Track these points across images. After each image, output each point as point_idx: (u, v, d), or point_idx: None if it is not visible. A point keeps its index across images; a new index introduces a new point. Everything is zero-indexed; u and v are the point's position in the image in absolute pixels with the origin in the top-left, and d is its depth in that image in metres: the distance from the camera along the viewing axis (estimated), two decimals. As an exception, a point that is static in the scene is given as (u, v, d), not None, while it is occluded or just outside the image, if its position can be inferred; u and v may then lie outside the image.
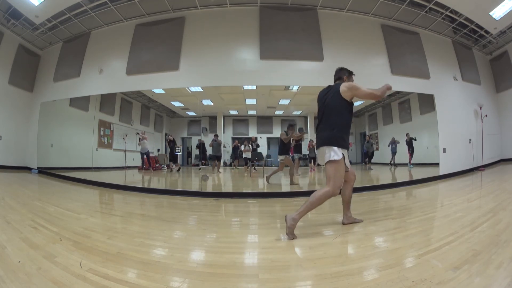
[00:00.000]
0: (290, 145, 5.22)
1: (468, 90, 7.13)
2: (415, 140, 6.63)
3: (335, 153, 2.10)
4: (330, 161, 2.10)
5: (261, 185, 5.17)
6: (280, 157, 5.13)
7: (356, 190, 4.41)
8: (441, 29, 6.77)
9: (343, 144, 2.15)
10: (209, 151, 6.92)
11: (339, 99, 2.19)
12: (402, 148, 6.83)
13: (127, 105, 7.07)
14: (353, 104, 2.26)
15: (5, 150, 7.19)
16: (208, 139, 6.98)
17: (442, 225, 2.33)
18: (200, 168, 7.06)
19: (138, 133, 7.01)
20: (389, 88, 2.28)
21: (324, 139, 2.18)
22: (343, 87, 2.20)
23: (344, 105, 2.19)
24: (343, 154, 2.13)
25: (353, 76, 2.48)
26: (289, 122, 5.29)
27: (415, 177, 5.72)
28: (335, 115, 2.19)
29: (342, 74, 2.46)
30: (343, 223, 2.37)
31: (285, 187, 5.00)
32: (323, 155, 2.16)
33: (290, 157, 5.40)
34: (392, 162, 6.96)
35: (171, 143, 7.15)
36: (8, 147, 7.28)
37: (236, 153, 7.28)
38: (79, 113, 6.93)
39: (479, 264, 1.42)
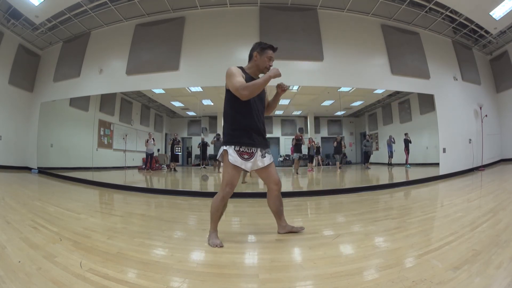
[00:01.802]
0: None
1: (468, 90, 7.13)
2: (410, 142, 6.66)
3: (219, 153, 1.89)
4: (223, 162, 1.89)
5: (261, 185, 5.17)
6: None
7: (356, 190, 4.44)
8: (441, 29, 6.77)
9: (226, 140, 1.85)
10: (209, 151, 6.92)
11: (225, 91, 1.87)
12: (400, 147, 6.83)
13: (127, 105, 7.07)
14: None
15: (5, 150, 7.19)
16: (208, 139, 6.99)
17: (442, 225, 2.33)
18: (205, 167, 7.04)
19: (149, 134, 7.02)
20: (273, 75, 1.77)
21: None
22: (226, 76, 1.82)
23: (227, 93, 1.86)
24: (226, 151, 1.83)
25: (269, 52, 1.90)
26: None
27: (415, 177, 5.72)
28: (224, 110, 1.90)
29: (253, 50, 1.95)
30: (279, 233, 2.11)
31: (285, 187, 5.01)
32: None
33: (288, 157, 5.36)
34: (389, 162, 6.97)
35: (176, 142, 7.17)
36: (8, 147, 7.28)
37: None
38: (79, 113, 6.93)
39: (479, 264, 1.42)
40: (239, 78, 1.77)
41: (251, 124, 1.85)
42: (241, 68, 1.93)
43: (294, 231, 2.10)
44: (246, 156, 1.84)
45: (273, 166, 1.99)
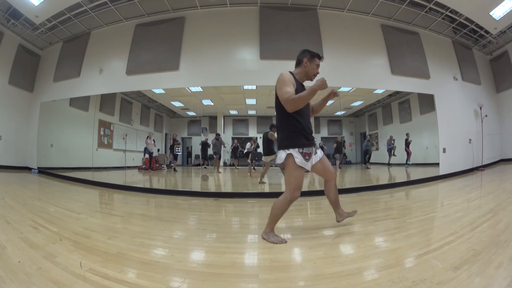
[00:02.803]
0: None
1: (468, 90, 7.13)
2: (410, 142, 6.67)
3: (279, 155, 1.92)
4: (281, 165, 1.96)
5: (261, 185, 5.17)
6: (270, 158, 5.10)
7: (356, 190, 4.43)
8: (441, 29, 6.77)
9: (287, 144, 1.89)
10: (209, 151, 6.93)
11: (276, 95, 1.90)
12: (400, 147, 6.84)
13: (127, 105, 7.07)
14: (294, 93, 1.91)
15: (5, 150, 7.20)
16: (209, 139, 7.00)
17: (442, 225, 2.33)
18: (206, 167, 7.05)
19: (149, 134, 7.03)
20: (319, 85, 1.78)
21: (278, 144, 1.98)
22: (277, 81, 1.89)
23: (279, 101, 1.88)
24: (291, 155, 1.87)
25: (317, 60, 2.00)
26: (272, 123, 5.28)
27: (415, 177, 5.72)
28: (277, 115, 1.95)
29: (303, 57, 2.02)
30: (338, 221, 2.25)
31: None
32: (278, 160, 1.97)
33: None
34: (389, 162, 6.98)
35: (176, 142, 7.18)
36: (8, 147, 7.28)
37: (235, 153, 7.30)
38: (79, 113, 6.94)
39: (479, 264, 1.42)
40: (289, 89, 1.82)
41: (306, 126, 1.93)
42: (291, 73, 1.99)
43: (350, 215, 2.28)
44: (307, 157, 1.91)
45: (325, 158, 2.10)
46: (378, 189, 4.64)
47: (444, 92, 6.45)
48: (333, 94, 2.03)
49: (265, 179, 5.28)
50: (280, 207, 1.91)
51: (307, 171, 1.97)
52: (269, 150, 5.12)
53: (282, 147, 1.91)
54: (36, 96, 7.67)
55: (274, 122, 7.81)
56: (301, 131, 1.89)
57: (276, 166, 1.91)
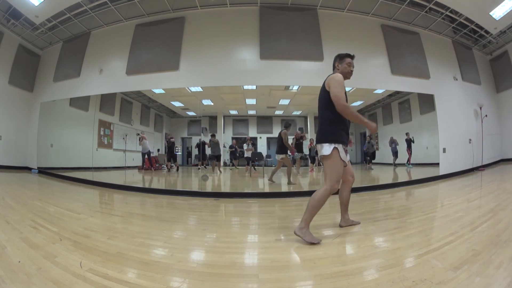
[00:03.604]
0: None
1: (468, 90, 7.13)
2: (413, 142, 6.65)
3: (324, 149, 2.01)
4: (323, 157, 2.03)
5: (261, 185, 5.17)
6: (281, 156, 5.10)
7: (356, 190, 4.43)
8: (441, 29, 6.77)
9: (334, 139, 2.02)
10: (208, 151, 6.93)
11: (323, 92, 2.10)
12: (402, 148, 6.83)
13: (127, 105, 7.07)
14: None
15: (5, 150, 7.19)
16: (208, 139, 6.99)
17: (442, 225, 2.33)
18: (199, 169, 7.06)
19: (138, 134, 7.01)
20: (370, 126, 2.03)
21: (317, 136, 2.12)
22: (328, 79, 2.09)
23: (329, 97, 2.04)
24: (337, 149, 2.00)
25: (348, 59, 2.20)
26: (286, 121, 5.24)
27: (415, 177, 5.72)
28: (323, 109, 2.10)
29: (334, 61, 2.27)
30: (341, 226, 2.31)
31: (285, 187, 5.00)
32: (318, 152, 2.11)
33: (290, 157, 5.37)
34: (395, 163, 6.96)
35: (170, 143, 7.17)
36: (8, 147, 7.28)
37: (234, 153, 7.29)
38: (79, 113, 6.94)
39: (479, 264, 1.42)
40: (343, 93, 2.01)
41: (346, 125, 2.11)
42: None
43: (354, 224, 2.34)
44: (346, 153, 2.10)
45: (350, 162, 2.25)
46: (378, 189, 4.64)
47: (444, 92, 6.45)
48: (372, 130, 2.13)
49: (274, 178, 5.26)
50: (320, 199, 1.96)
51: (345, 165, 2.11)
52: (281, 148, 5.10)
53: (329, 140, 2.01)
54: (36, 96, 7.66)
55: (279, 121, 7.85)
56: (344, 129, 2.07)
57: (320, 160, 1.98)
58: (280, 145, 5.12)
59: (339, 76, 2.06)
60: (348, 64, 2.18)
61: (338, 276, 1.36)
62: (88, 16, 6.31)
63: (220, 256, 1.69)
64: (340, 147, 2.01)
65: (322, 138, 2.06)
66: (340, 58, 2.22)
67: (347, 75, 2.18)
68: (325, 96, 2.06)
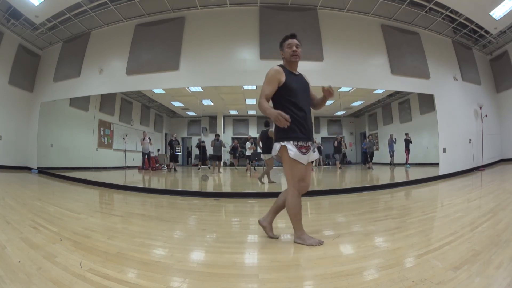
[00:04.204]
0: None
1: (468, 90, 7.13)
2: (411, 142, 6.67)
3: (274, 148, 1.88)
4: (277, 158, 1.91)
5: (261, 185, 5.16)
6: (268, 156, 5.05)
7: (356, 190, 4.43)
8: (441, 29, 6.77)
9: (281, 136, 1.83)
10: (209, 151, 6.92)
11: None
12: (400, 147, 6.84)
13: (127, 105, 7.07)
14: (284, 85, 1.86)
15: (5, 150, 7.19)
16: (208, 139, 6.98)
17: (442, 225, 2.33)
18: (199, 169, 7.06)
19: (143, 133, 6.99)
20: (273, 117, 1.71)
21: (274, 136, 1.93)
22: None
23: (275, 94, 1.88)
24: (285, 146, 1.81)
25: (287, 42, 1.98)
26: (266, 120, 5.20)
27: (415, 177, 5.72)
28: (273, 105, 1.91)
29: (279, 49, 2.05)
30: (259, 222, 2.07)
31: (285, 187, 5.00)
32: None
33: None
34: (391, 162, 6.98)
35: (173, 142, 7.17)
36: (8, 147, 7.28)
37: (235, 153, 7.29)
38: (79, 113, 6.94)
39: (479, 264, 1.42)
40: (268, 90, 1.84)
41: (303, 120, 1.85)
42: (281, 65, 1.98)
43: (269, 234, 2.03)
44: (304, 150, 1.83)
45: (310, 166, 2.00)
46: (378, 189, 4.64)
47: (444, 92, 6.45)
48: (327, 92, 1.93)
49: (273, 179, 5.26)
50: (293, 205, 1.83)
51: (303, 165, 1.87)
52: (269, 148, 5.07)
53: (277, 139, 1.87)
54: (36, 96, 7.66)
55: (271, 122, 7.84)
56: (297, 124, 1.82)
57: (274, 158, 1.81)
58: (267, 144, 5.00)
59: (271, 71, 1.89)
60: (288, 46, 1.95)
61: (338, 276, 1.36)
62: (88, 16, 6.31)
63: (220, 256, 1.69)
64: (290, 144, 1.80)
65: (274, 137, 1.90)
66: (280, 46, 2.02)
67: (291, 58, 1.95)
68: (275, 95, 1.90)
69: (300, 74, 2.03)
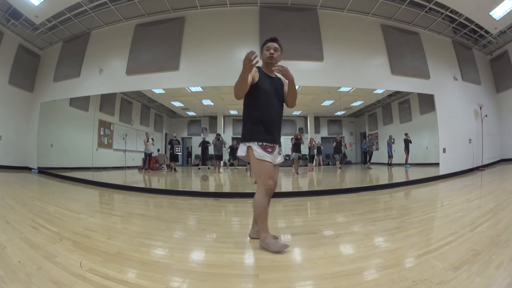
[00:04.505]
0: None
1: (468, 90, 7.13)
2: (411, 142, 6.67)
3: (240, 149, 1.90)
4: (244, 159, 1.92)
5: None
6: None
7: (356, 190, 4.43)
8: (441, 29, 6.77)
9: (247, 137, 1.86)
10: (210, 150, 6.93)
11: None
12: (400, 147, 6.84)
13: (127, 105, 7.07)
14: (256, 85, 1.86)
15: (5, 150, 7.19)
16: (208, 139, 6.99)
17: (442, 225, 2.33)
18: (199, 168, 7.06)
19: (146, 134, 7.01)
20: (243, 63, 1.70)
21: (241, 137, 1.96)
22: None
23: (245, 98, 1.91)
24: (251, 147, 1.83)
25: (266, 45, 1.98)
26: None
27: (415, 177, 5.72)
28: (243, 105, 1.94)
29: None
30: (249, 236, 2.03)
31: (285, 187, 5.01)
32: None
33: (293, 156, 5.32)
34: (389, 163, 6.99)
35: (175, 142, 7.18)
36: (8, 147, 7.28)
37: (234, 153, 7.30)
38: (79, 113, 6.94)
39: (479, 264, 1.42)
40: (238, 82, 1.83)
41: (268, 121, 1.87)
42: (258, 68, 1.96)
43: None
44: (269, 150, 1.85)
45: (277, 169, 2.00)
46: (378, 189, 4.63)
47: (444, 92, 6.45)
48: (280, 70, 1.87)
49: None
50: (260, 203, 1.81)
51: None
52: None
53: (243, 139, 1.88)
54: (36, 96, 7.66)
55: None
56: (261, 126, 1.84)
57: (241, 158, 1.81)
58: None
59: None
60: (266, 49, 1.97)
61: (338, 276, 1.36)
62: (88, 16, 6.31)
63: (220, 256, 1.69)
64: (255, 145, 1.82)
65: (240, 139, 1.92)
66: (261, 48, 2.03)
67: (267, 60, 1.96)
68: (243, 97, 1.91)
69: (276, 78, 2.01)
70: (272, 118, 1.89)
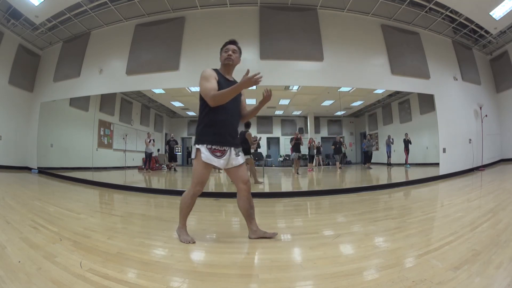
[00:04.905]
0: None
1: (468, 90, 7.13)
2: (410, 143, 6.68)
3: (193, 151, 1.92)
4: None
5: (261, 185, 5.16)
6: (246, 157, 5.07)
7: (356, 190, 4.43)
8: (441, 29, 6.78)
9: (198, 139, 1.87)
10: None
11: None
12: (399, 147, 6.84)
13: (127, 105, 7.07)
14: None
15: (5, 150, 7.19)
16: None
17: (442, 225, 2.33)
18: None
19: (148, 134, 7.02)
20: (244, 83, 1.71)
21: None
22: (199, 78, 1.90)
23: (201, 98, 1.89)
24: (199, 149, 1.84)
25: (225, 47, 2.06)
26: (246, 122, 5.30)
27: (415, 177, 5.73)
28: (199, 107, 1.93)
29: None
30: (249, 237, 2.02)
31: (285, 187, 5.01)
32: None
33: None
34: (389, 162, 6.99)
35: (171, 142, 7.18)
36: (8, 147, 7.28)
37: None
38: (79, 113, 6.94)
39: (479, 264, 1.42)
40: (210, 84, 1.81)
41: (224, 124, 1.88)
42: (215, 70, 1.98)
43: (266, 236, 1.99)
44: (218, 154, 1.87)
45: (243, 168, 2.01)
46: (378, 189, 4.64)
47: (444, 92, 6.45)
48: (266, 92, 1.92)
49: (261, 179, 5.26)
50: (184, 201, 1.92)
51: (219, 168, 1.94)
52: (246, 149, 5.08)
53: (195, 142, 1.90)
54: (36, 96, 7.66)
55: (279, 121, 7.85)
56: (215, 128, 1.85)
57: (192, 159, 1.87)
58: (243, 146, 5.04)
59: (204, 72, 1.89)
60: (225, 50, 2.03)
61: (338, 276, 1.36)
62: (88, 16, 6.31)
63: (220, 256, 1.69)
64: (203, 147, 1.83)
65: (195, 140, 1.92)
66: (220, 50, 2.10)
67: (224, 61, 2.00)
68: (199, 96, 1.89)
69: (234, 81, 2.01)
70: (225, 121, 1.89)
